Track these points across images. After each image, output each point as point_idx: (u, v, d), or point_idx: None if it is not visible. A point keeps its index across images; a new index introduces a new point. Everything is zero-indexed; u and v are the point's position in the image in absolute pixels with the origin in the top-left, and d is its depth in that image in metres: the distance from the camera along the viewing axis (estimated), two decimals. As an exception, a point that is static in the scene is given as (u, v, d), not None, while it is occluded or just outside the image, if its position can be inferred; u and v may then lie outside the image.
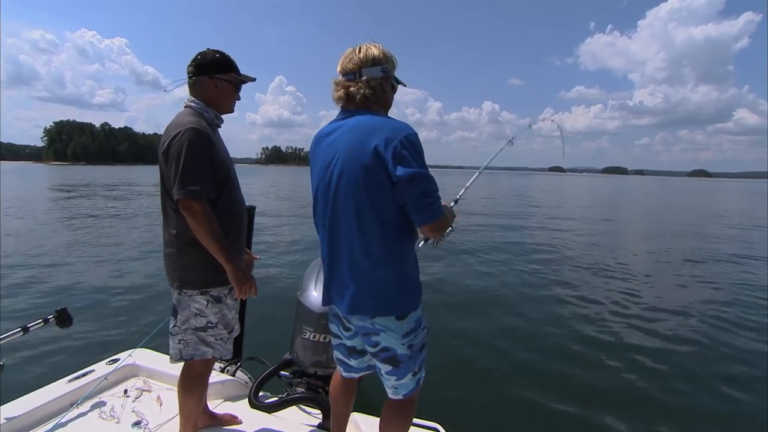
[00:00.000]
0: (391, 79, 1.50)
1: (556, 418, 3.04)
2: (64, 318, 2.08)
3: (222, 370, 2.42)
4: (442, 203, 1.67)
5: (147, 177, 42.05)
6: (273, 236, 10.13)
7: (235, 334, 1.82)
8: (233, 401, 2.26)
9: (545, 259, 8.62)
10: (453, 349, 4.10)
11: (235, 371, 2.45)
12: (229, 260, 1.60)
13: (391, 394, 1.56)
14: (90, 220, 12.28)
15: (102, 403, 2.09)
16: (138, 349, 2.46)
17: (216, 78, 1.71)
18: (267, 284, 5.69)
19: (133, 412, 2.04)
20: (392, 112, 1.55)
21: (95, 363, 2.35)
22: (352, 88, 1.42)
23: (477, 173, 2.33)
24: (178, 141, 1.55)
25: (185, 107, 1.72)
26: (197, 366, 1.76)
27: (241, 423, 2.03)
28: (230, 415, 2.06)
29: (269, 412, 2.14)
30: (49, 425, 1.89)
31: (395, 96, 1.57)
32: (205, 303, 1.69)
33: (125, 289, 5.47)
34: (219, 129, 1.79)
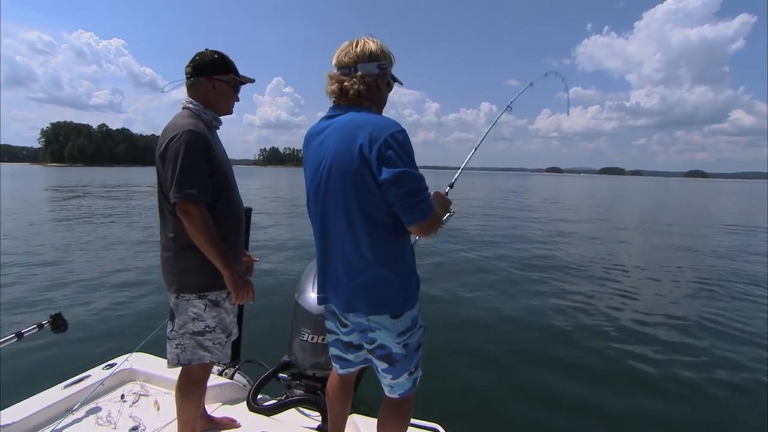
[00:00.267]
0: (387, 77, 1.47)
1: (557, 419, 3.03)
2: (59, 323, 2.06)
3: (220, 374, 2.41)
4: (437, 191, 1.63)
5: (144, 178, 41.96)
6: (270, 238, 10.10)
7: (233, 338, 1.80)
8: (232, 404, 2.24)
9: (546, 260, 8.62)
10: (453, 348, 4.09)
11: (234, 374, 2.44)
12: (226, 265, 1.58)
13: (387, 393, 1.56)
14: (86, 222, 12.22)
15: (98, 409, 2.07)
16: (135, 354, 2.43)
17: (214, 79, 1.69)
18: (264, 286, 5.67)
19: (131, 417, 2.02)
20: (390, 113, 1.53)
21: (91, 368, 2.33)
22: (345, 83, 1.40)
23: (473, 149, 2.24)
24: (176, 143, 1.53)
25: (183, 109, 1.70)
26: (195, 370, 1.74)
27: (239, 426, 2.02)
28: (229, 418, 2.05)
29: (268, 415, 2.13)
30: None
31: (393, 96, 1.55)
32: (203, 307, 1.67)
33: (121, 292, 5.42)
34: (217, 130, 1.78)
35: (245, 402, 2.21)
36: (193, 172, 1.53)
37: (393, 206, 1.32)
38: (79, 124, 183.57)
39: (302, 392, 2.29)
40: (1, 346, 1.88)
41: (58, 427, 1.90)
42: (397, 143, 1.28)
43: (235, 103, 1.81)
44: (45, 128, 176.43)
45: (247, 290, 1.66)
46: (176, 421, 1.78)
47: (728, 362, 3.98)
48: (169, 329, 1.70)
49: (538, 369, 3.77)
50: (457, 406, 3.14)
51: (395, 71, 1.51)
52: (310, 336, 2.24)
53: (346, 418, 1.80)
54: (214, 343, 1.72)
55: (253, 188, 33.04)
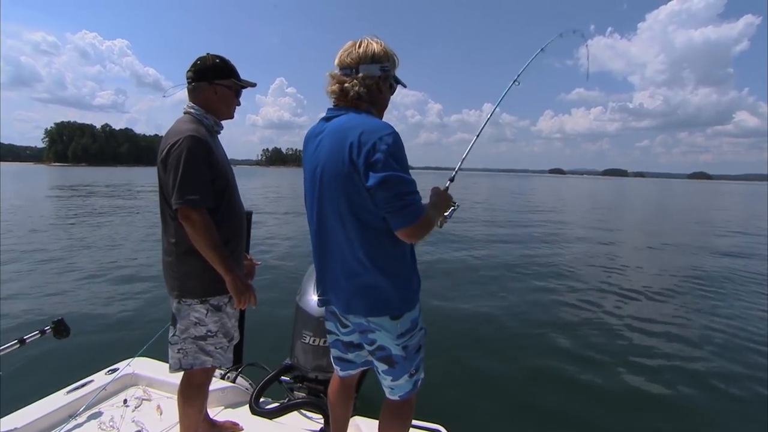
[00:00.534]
0: (390, 79, 1.45)
1: (559, 420, 3.02)
2: (61, 329, 2.06)
3: (222, 377, 2.41)
4: (435, 187, 1.60)
5: (147, 178, 42.02)
6: (272, 240, 10.09)
7: (235, 342, 1.80)
8: (234, 408, 2.24)
9: (550, 262, 8.59)
10: (456, 350, 4.08)
11: (236, 378, 2.44)
12: (228, 270, 1.58)
13: (388, 394, 1.55)
14: (87, 223, 12.21)
15: (101, 414, 2.07)
16: (137, 358, 2.43)
17: (216, 84, 1.69)
18: (266, 289, 5.63)
19: (133, 421, 2.02)
20: (392, 114, 1.51)
21: (94, 373, 2.33)
22: (346, 84, 1.38)
23: (477, 133, 2.15)
24: (177, 149, 1.53)
25: (184, 113, 1.70)
26: (197, 375, 1.74)
27: (242, 430, 2.02)
28: (231, 422, 2.05)
29: (270, 418, 2.13)
30: None
31: (395, 97, 1.54)
32: (205, 312, 1.67)
33: (123, 297, 5.40)
34: (219, 133, 1.77)
35: (248, 405, 2.21)
36: (194, 177, 1.53)
37: (381, 210, 1.30)
38: (83, 124, 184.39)
39: (304, 395, 2.29)
40: (4, 352, 1.88)
41: None
42: (386, 147, 1.25)
43: (237, 107, 1.81)
44: (49, 128, 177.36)
45: (249, 295, 1.66)
46: (179, 425, 1.77)
47: (729, 363, 3.96)
48: (171, 334, 1.70)
49: (541, 371, 3.75)
50: (460, 407, 3.13)
51: (398, 74, 1.49)
52: (312, 338, 2.24)
53: (348, 421, 1.80)
54: (216, 348, 1.72)
55: (256, 189, 33.08)
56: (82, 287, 5.82)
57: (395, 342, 1.42)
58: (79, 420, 2.00)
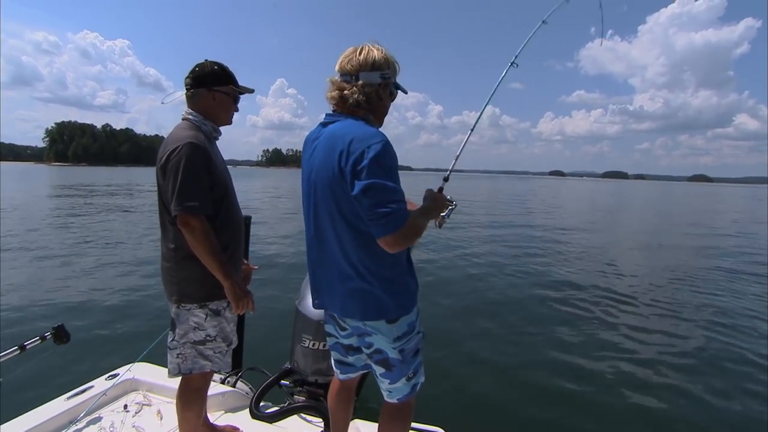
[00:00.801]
0: (390, 86, 1.45)
1: (559, 422, 3.03)
2: (61, 334, 2.06)
3: (222, 381, 2.41)
4: (428, 189, 1.58)
5: (147, 178, 42.00)
6: (271, 243, 10.03)
7: (233, 346, 1.81)
8: (234, 412, 2.24)
9: (551, 264, 8.61)
10: (455, 353, 4.09)
11: (236, 382, 2.44)
12: (226, 276, 1.59)
13: (386, 397, 1.56)
14: (87, 224, 12.16)
15: (101, 419, 2.07)
16: (137, 364, 2.43)
17: (214, 90, 1.70)
18: (265, 293, 5.61)
19: (134, 427, 2.02)
20: (393, 116, 1.49)
21: (94, 379, 2.33)
22: (346, 91, 1.38)
23: (479, 114, 2.05)
24: (176, 156, 1.53)
25: (183, 119, 1.70)
26: (196, 379, 1.75)
27: None
28: (231, 426, 2.05)
29: (270, 422, 2.13)
30: None
31: (396, 99, 1.52)
32: (204, 316, 1.68)
33: (123, 303, 5.37)
34: (217, 140, 1.78)
35: (248, 410, 2.21)
36: (193, 184, 1.53)
37: (365, 218, 1.28)
38: (84, 124, 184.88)
39: (304, 399, 2.29)
40: (4, 358, 1.89)
41: None
42: (373, 154, 1.24)
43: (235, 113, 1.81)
44: (50, 128, 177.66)
45: (247, 301, 1.67)
46: (178, 430, 1.78)
47: (726, 369, 3.97)
48: (170, 339, 1.71)
49: (541, 373, 3.75)
50: (459, 410, 3.13)
51: (399, 75, 1.48)
52: (312, 342, 2.24)
53: (348, 424, 1.80)
54: (214, 352, 1.73)
55: (256, 189, 33.05)
56: (81, 292, 5.79)
57: (392, 345, 1.42)
58: (80, 426, 2.00)
